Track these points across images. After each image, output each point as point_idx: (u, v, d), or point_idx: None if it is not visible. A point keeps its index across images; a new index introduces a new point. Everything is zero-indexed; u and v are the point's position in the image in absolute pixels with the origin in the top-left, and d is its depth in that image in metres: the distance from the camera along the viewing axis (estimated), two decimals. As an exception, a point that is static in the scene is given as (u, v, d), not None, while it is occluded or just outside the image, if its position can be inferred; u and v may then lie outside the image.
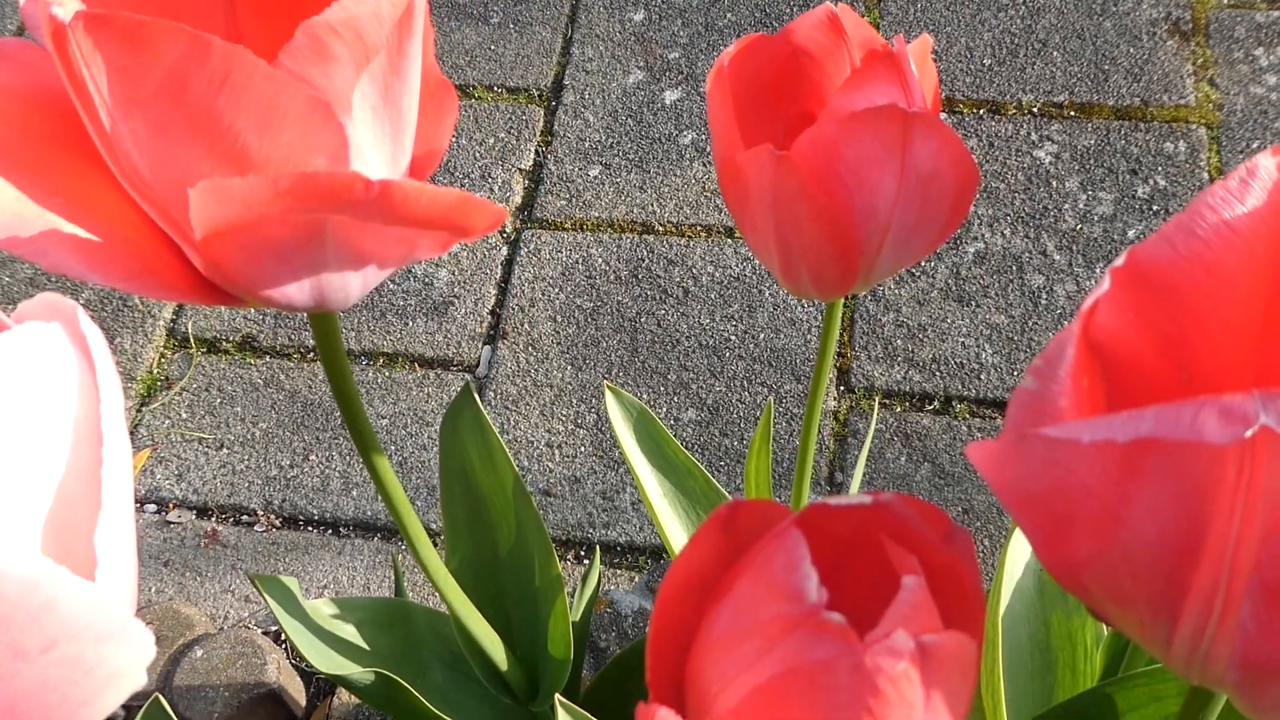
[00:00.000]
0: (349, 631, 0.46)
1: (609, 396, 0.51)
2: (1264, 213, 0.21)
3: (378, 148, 0.28)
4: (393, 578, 0.88)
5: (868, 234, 0.34)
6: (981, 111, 1.09)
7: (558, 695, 0.37)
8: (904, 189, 0.33)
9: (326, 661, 0.42)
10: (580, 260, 1.05)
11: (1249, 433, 0.17)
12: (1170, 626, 0.23)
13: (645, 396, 0.97)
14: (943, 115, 1.08)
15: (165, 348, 1.04)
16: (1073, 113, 1.07)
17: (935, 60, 1.12)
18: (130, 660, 0.19)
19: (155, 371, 1.03)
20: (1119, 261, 0.21)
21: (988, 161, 1.06)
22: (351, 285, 0.30)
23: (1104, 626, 0.54)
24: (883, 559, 0.23)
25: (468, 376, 1.00)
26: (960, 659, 0.21)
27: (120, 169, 0.27)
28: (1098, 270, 1.00)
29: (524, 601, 0.48)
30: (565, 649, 0.46)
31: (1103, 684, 0.45)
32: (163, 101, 0.24)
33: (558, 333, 1.01)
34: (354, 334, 1.02)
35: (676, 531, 0.53)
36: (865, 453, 0.54)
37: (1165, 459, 0.20)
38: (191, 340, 1.04)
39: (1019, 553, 0.57)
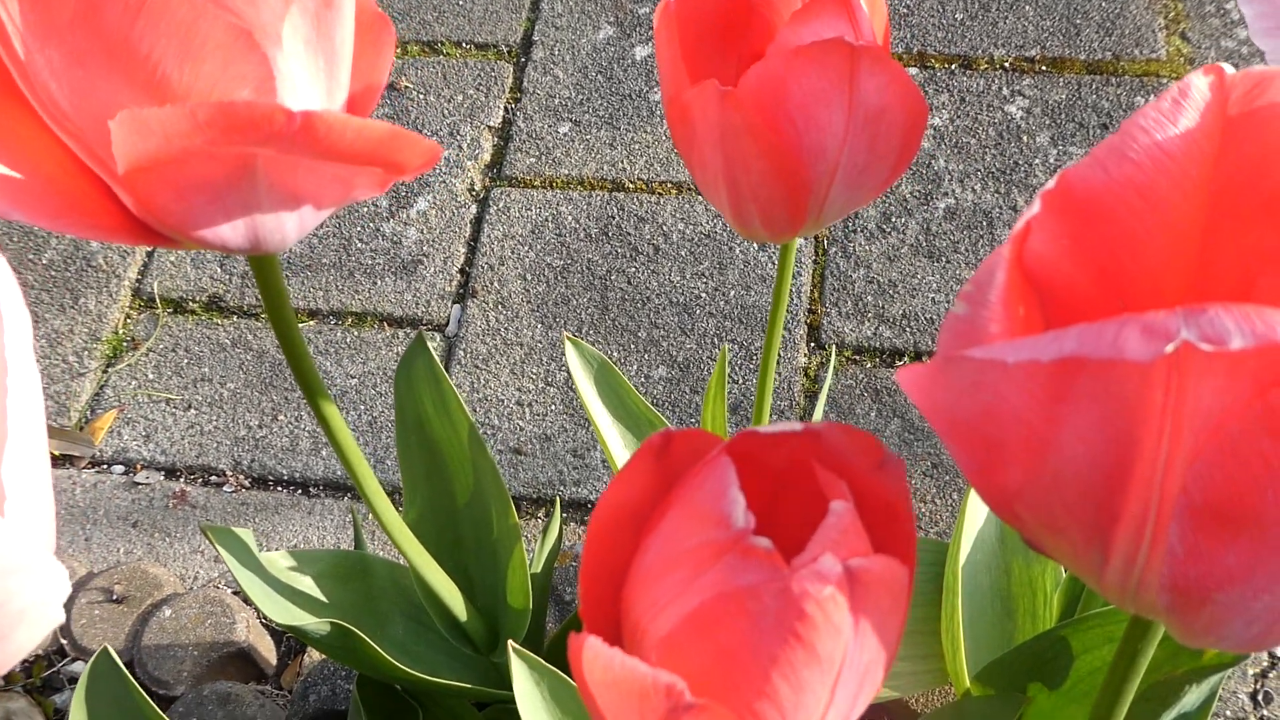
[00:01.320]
0: (307, 584, 0.45)
1: (570, 348, 0.51)
2: (1196, 135, 0.21)
3: (312, 82, 0.28)
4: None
5: (817, 172, 0.33)
6: (953, 66, 1.08)
7: (511, 643, 0.37)
8: (852, 125, 0.32)
9: (282, 613, 0.42)
10: (550, 218, 1.04)
11: (1169, 348, 0.17)
12: (1103, 554, 0.23)
13: (616, 354, 0.97)
14: (914, 70, 1.08)
15: (131, 308, 1.03)
16: (1044, 67, 1.07)
17: (907, 14, 1.11)
18: (42, 595, 0.19)
19: (121, 332, 1.01)
20: (1049, 185, 0.21)
21: (959, 117, 1.05)
22: (288, 226, 0.29)
23: (1062, 571, 0.54)
24: (818, 488, 0.23)
25: (437, 335, 0.99)
26: (890, 584, 0.21)
27: (40, 102, 0.26)
28: (1068, 225, 1.00)
29: (483, 552, 0.47)
30: (524, 599, 0.46)
31: (1058, 627, 0.45)
32: (78, 29, 0.23)
33: (527, 291, 1.00)
34: (322, 293, 1.02)
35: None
36: (823, 399, 0.54)
37: (1092, 381, 0.19)
38: (157, 300, 1.03)
39: (980, 503, 0.57)
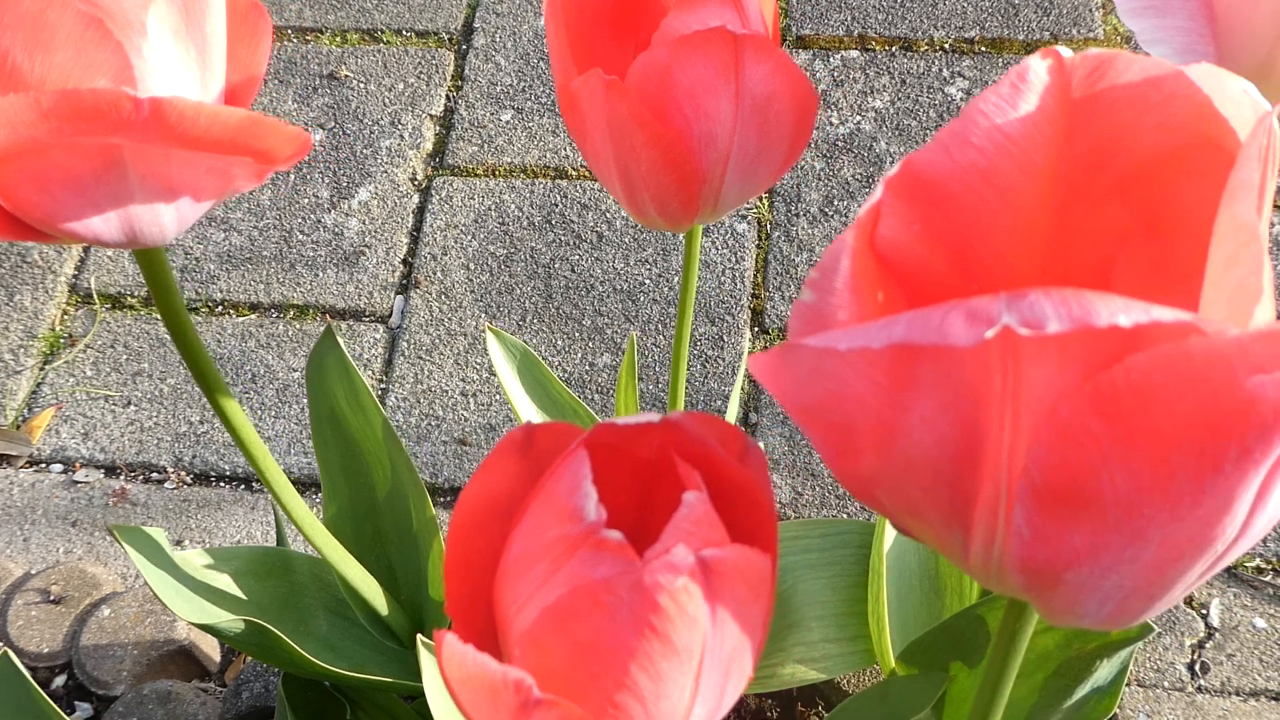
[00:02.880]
0: (224, 581, 0.45)
1: (491, 339, 0.51)
2: (1037, 118, 0.21)
3: (184, 71, 0.27)
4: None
5: (709, 160, 0.33)
6: (894, 48, 1.08)
7: (420, 637, 0.37)
8: (741, 113, 0.32)
9: (195, 612, 0.42)
10: (493, 207, 1.04)
11: (990, 333, 0.17)
12: (964, 537, 0.23)
13: (560, 342, 0.97)
14: (854, 53, 1.08)
15: (68, 304, 1.01)
16: (984, 48, 1.07)
17: (848, -3, 1.11)
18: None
19: (58, 329, 1.00)
20: (893, 170, 0.21)
21: (900, 99, 1.05)
22: (165, 219, 0.29)
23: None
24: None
25: (380, 327, 0.99)
26: (747, 573, 0.21)
27: (-106, 98, 0.25)
28: (1007, 206, 1.00)
29: (405, 545, 0.47)
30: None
31: (975, 605, 0.45)
32: (-78, 22, 0.23)
33: (471, 280, 1.00)
34: (263, 286, 1.01)
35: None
36: (741, 378, 0.54)
37: (932, 367, 0.20)
38: (95, 296, 1.01)
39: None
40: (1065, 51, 0.21)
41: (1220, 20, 0.28)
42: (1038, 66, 0.20)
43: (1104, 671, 0.43)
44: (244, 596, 0.46)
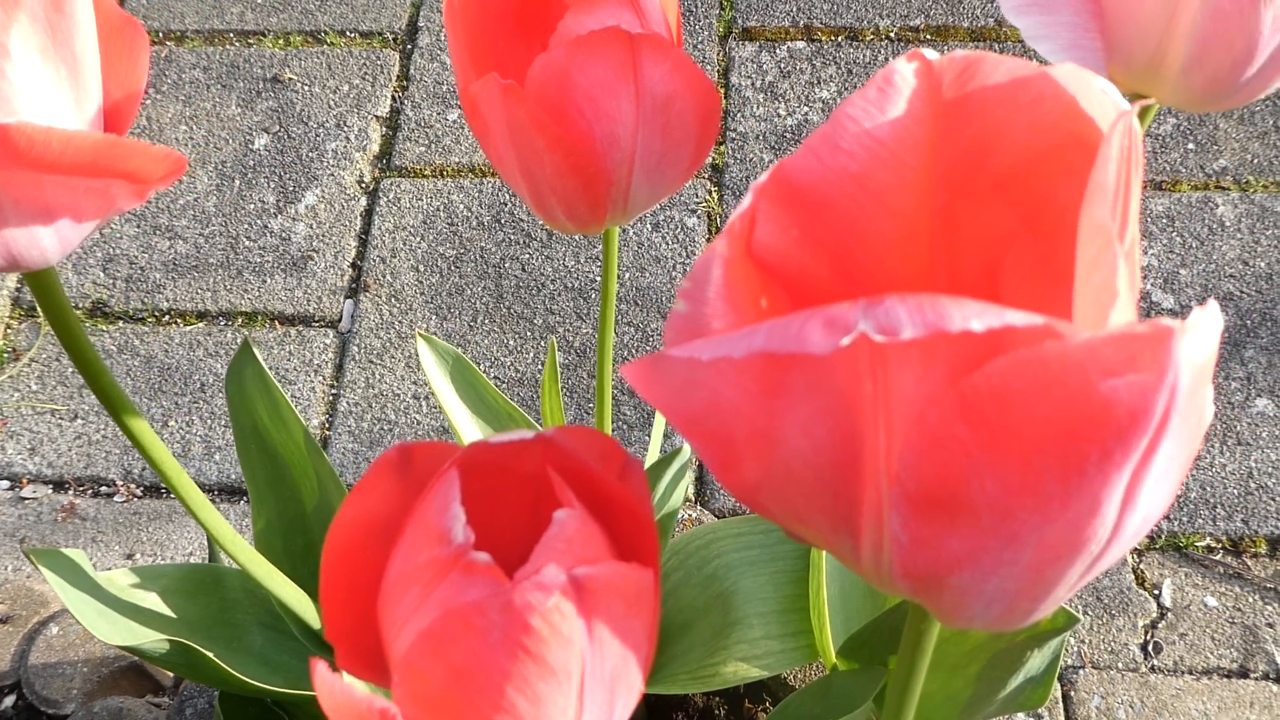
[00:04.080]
0: (152, 600, 0.44)
1: (422, 345, 0.50)
2: (907, 121, 0.20)
3: (54, 93, 0.27)
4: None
5: (613, 162, 0.33)
6: (839, 38, 1.08)
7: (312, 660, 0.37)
8: (642, 114, 0.32)
9: (120, 633, 0.41)
10: (441, 207, 1.03)
11: (846, 341, 0.17)
12: (853, 543, 0.23)
13: (512, 342, 0.96)
14: (801, 43, 1.08)
15: (11, 318, 1.00)
16: (929, 36, 1.07)
17: (793, -12, 1.11)
18: None
19: (1, 343, 0.98)
20: (763, 178, 0.21)
21: (847, 89, 1.05)
22: (44, 242, 0.28)
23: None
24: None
25: (330, 332, 0.98)
26: (624, 589, 0.21)
27: None
28: (956, 193, 1.00)
29: (337, 557, 0.47)
30: (379, 602, 0.45)
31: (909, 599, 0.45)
32: None
33: (421, 283, 0.99)
34: (210, 294, 0.99)
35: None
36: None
37: (802, 374, 0.19)
38: (39, 309, 1.00)
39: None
40: (931, 54, 0.20)
41: (1108, 15, 0.28)
42: (904, 69, 0.20)
43: (1036, 661, 0.43)
44: (173, 615, 0.45)
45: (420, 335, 0.49)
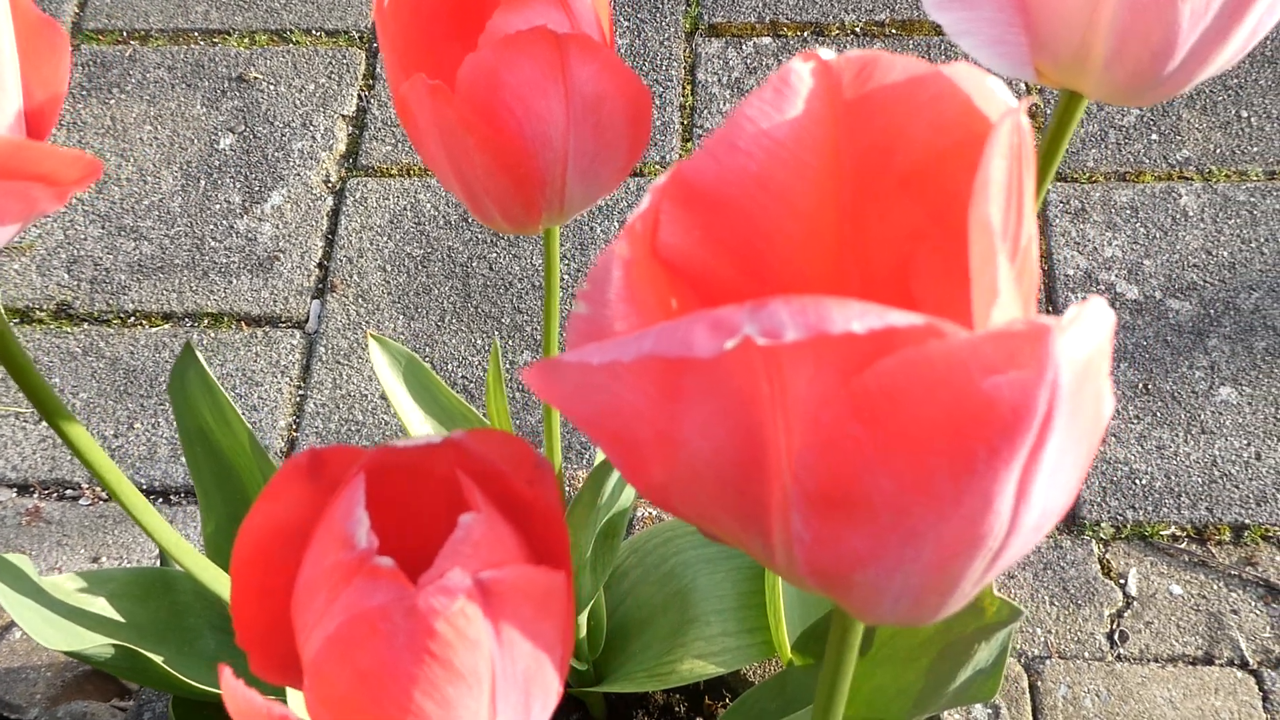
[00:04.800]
0: (100, 605, 0.44)
1: (374, 346, 0.50)
2: (805, 121, 0.20)
3: (-29, 97, 0.26)
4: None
5: (546, 162, 0.33)
6: (805, 34, 1.08)
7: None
8: (573, 113, 0.32)
9: (64, 639, 0.41)
10: (408, 207, 1.03)
11: (730, 344, 0.17)
12: (764, 541, 0.23)
13: (480, 342, 0.96)
14: (767, 39, 1.08)
15: (-26, 322, 0.99)
16: (894, 30, 1.07)
17: (759, -17, 1.11)
18: None
19: (-35, 348, 0.98)
20: (662, 179, 0.21)
21: (813, 84, 1.06)
22: (-35, 247, 0.28)
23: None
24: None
25: (297, 332, 0.98)
26: (532, 591, 0.21)
27: None
28: (922, 187, 1.01)
29: (288, 559, 0.47)
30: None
31: (859, 594, 0.46)
32: None
33: (388, 282, 0.99)
34: (176, 295, 0.99)
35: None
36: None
37: (699, 376, 0.19)
38: (1, 310, 0.99)
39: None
40: (827, 53, 0.21)
41: (1032, 9, 0.28)
42: (800, 69, 0.20)
43: (984, 654, 0.44)
44: (122, 620, 0.45)
45: (372, 336, 0.49)
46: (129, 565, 0.86)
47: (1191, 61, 0.28)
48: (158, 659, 0.40)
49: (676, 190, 0.21)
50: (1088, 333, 0.17)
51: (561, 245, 1.00)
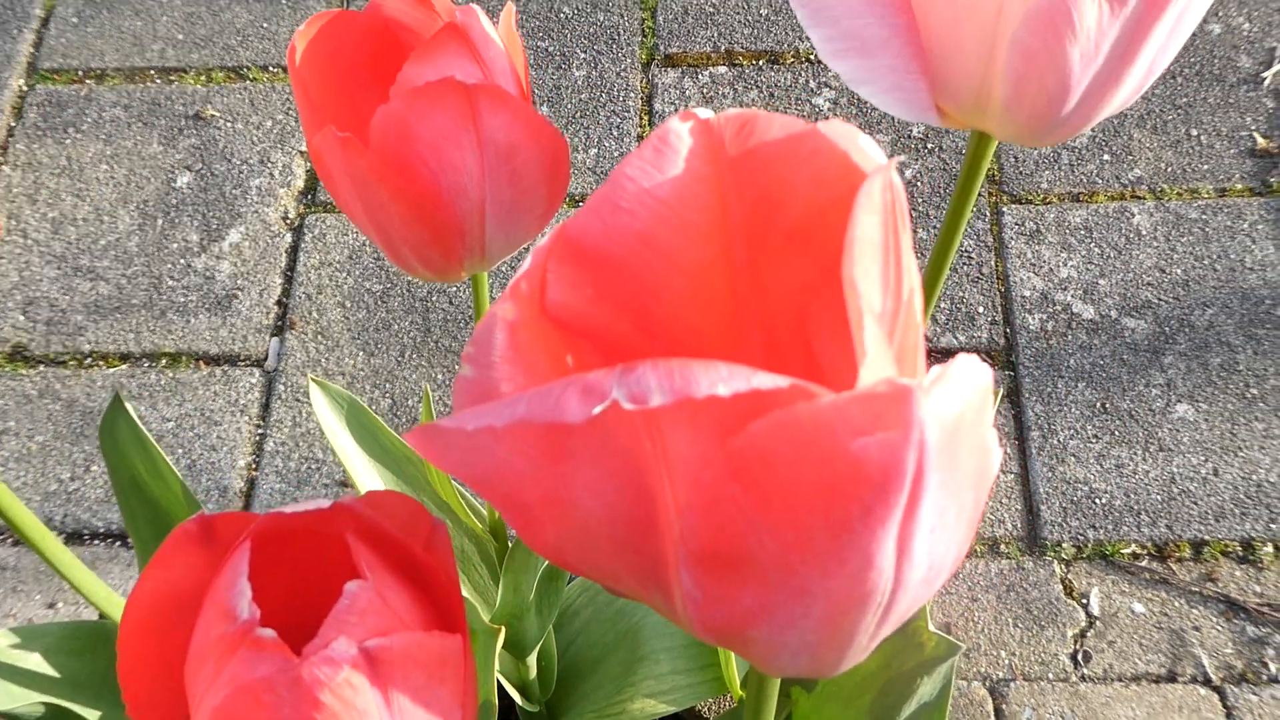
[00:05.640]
0: (34, 661, 0.44)
1: (314, 390, 0.50)
2: (686, 179, 0.21)
3: None
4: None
5: (462, 211, 0.33)
6: (760, 62, 1.09)
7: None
8: (487, 163, 0.32)
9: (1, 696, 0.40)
10: (367, 242, 1.02)
11: (598, 409, 0.17)
12: (665, 597, 0.23)
13: (440, 376, 0.96)
14: (722, 68, 1.09)
15: (-72, 367, 0.98)
16: (848, 57, 1.08)
17: (713, 13, 1.12)
18: None
19: (-82, 394, 0.97)
20: (545, 241, 0.21)
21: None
22: None
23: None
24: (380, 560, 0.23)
25: (256, 371, 0.97)
26: (423, 658, 0.21)
27: None
28: (878, 212, 1.01)
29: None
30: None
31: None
32: None
33: (347, 319, 0.99)
34: (133, 335, 0.98)
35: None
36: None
37: (584, 437, 0.19)
38: (-44, 357, 0.98)
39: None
40: (705, 112, 0.21)
41: (931, 56, 0.29)
42: (679, 129, 0.20)
43: (928, 688, 0.44)
44: (57, 675, 0.44)
45: (313, 380, 0.49)
46: (86, 609, 0.85)
47: (1088, 102, 0.28)
48: (93, 715, 0.40)
49: (563, 250, 0.21)
50: (956, 391, 0.18)
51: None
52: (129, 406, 0.44)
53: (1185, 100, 1.06)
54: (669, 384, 0.17)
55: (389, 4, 0.35)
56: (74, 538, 0.90)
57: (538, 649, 0.51)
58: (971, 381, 0.18)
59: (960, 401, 0.18)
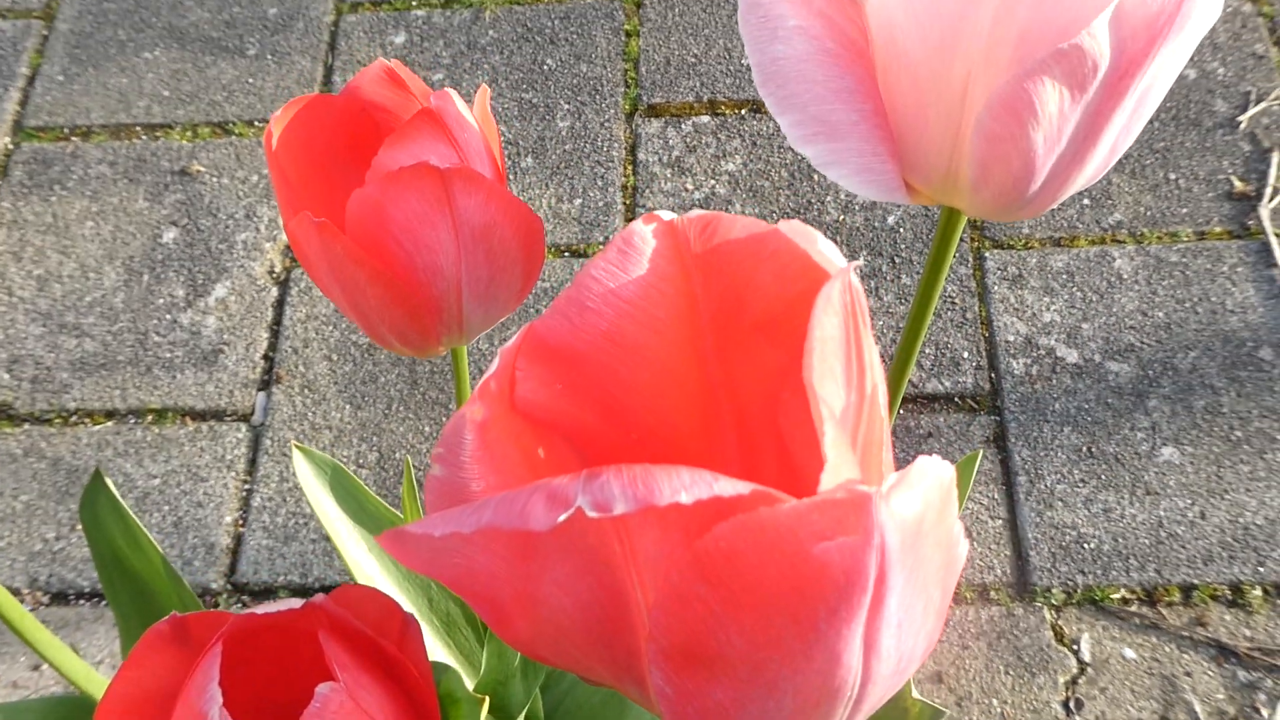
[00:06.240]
0: (15, 738, 0.43)
1: (297, 456, 0.50)
2: (651, 279, 0.21)
3: None
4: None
5: (440, 290, 0.33)
6: (743, 111, 1.10)
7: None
8: (463, 242, 0.32)
9: (-24, 777, 0.40)
10: (353, 294, 1.02)
11: (562, 517, 0.17)
12: (640, 690, 0.23)
13: (428, 429, 0.96)
14: (705, 118, 1.10)
15: (-87, 427, 0.98)
16: (829, 107, 1.10)
17: (695, 63, 1.13)
18: None
19: (-98, 454, 0.96)
20: (512, 342, 0.21)
21: (752, 161, 1.07)
22: None
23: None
24: (358, 654, 0.23)
25: (243, 425, 0.97)
26: (395, 757, 0.21)
27: None
28: (861, 259, 1.02)
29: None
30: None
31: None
32: None
33: (334, 371, 0.99)
34: (119, 392, 0.98)
35: (387, 587, 0.52)
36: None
37: (552, 539, 0.20)
38: (-59, 416, 0.98)
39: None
40: (667, 215, 0.21)
41: (900, 138, 0.29)
42: (642, 231, 0.21)
43: (914, 750, 0.44)
44: (38, 752, 0.44)
45: (296, 447, 0.49)
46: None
47: (1054, 182, 0.29)
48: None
49: (531, 348, 0.21)
50: (916, 492, 0.18)
51: (507, 330, 1.00)
52: (109, 482, 0.44)
53: (1163, 144, 1.07)
54: (633, 491, 0.17)
55: (366, 86, 0.35)
56: (59, 598, 0.90)
57: (524, 713, 0.51)
58: (933, 481, 0.18)
59: (921, 501, 0.18)
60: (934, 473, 0.18)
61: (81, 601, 0.89)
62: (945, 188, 0.30)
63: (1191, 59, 1.13)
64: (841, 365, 0.19)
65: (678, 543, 0.19)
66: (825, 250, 0.20)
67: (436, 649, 0.52)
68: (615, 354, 0.21)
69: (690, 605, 0.19)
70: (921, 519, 0.18)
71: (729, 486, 0.17)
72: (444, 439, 0.21)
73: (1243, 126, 1.08)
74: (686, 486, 0.17)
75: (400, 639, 0.22)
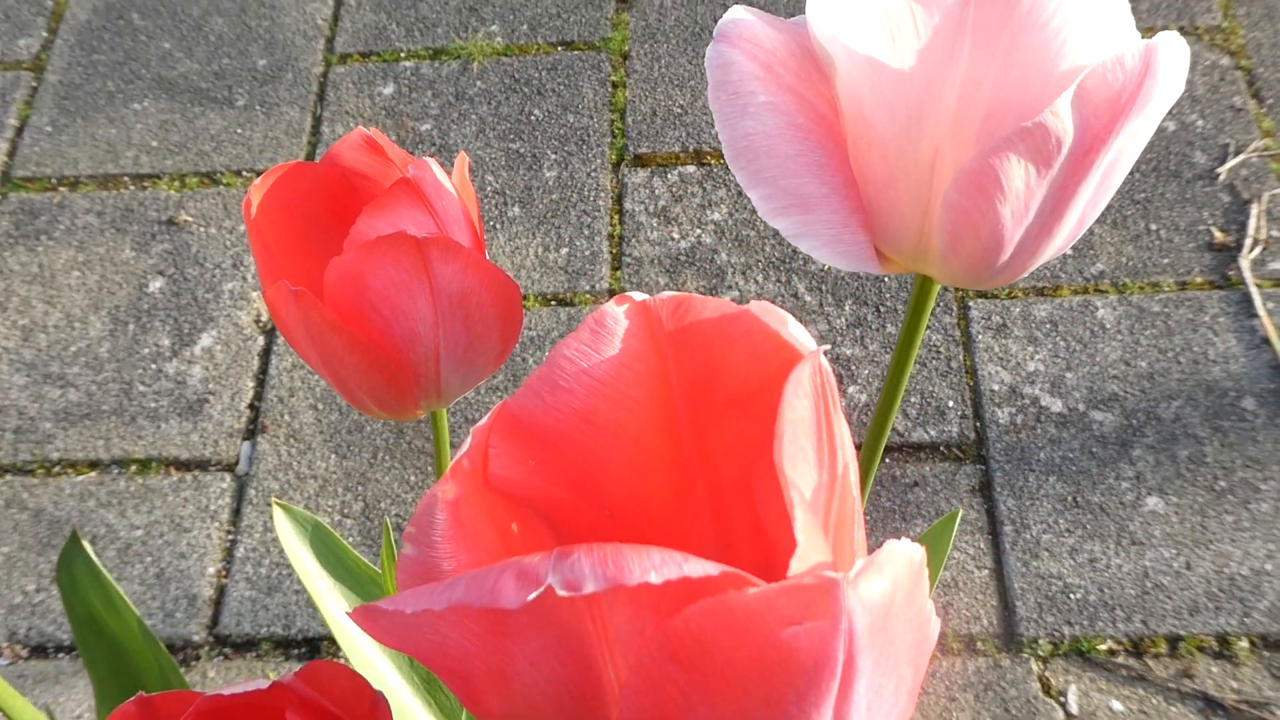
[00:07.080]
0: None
1: (278, 513, 0.50)
2: (623, 358, 0.21)
3: None
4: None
5: (418, 356, 0.34)
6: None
7: None
8: (440, 309, 0.33)
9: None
10: (339, 343, 1.03)
11: (532, 596, 0.17)
12: (613, 765, 0.22)
13: (414, 478, 0.95)
14: (691, 168, 1.11)
15: (-107, 478, 0.97)
16: (813, 158, 1.11)
17: (681, 114, 1.14)
18: None
19: (-118, 505, 0.96)
20: (484, 421, 0.21)
21: (738, 210, 1.08)
22: None
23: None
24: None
25: (228, 475, 0.96)
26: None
27: None
28: (846, 308, 1.03)
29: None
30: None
31: None
32: None
33: (319, 421, 0.98)
34: (103, 442, 0.98)
35: (368, 646, 0.52)
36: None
37: (523, 615, 0.20)
38: (-78, 467, 0.97)
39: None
40: (638, 295, 0.21)
41: (871, 209, 0.30)
42: (614, 312, 0.21)
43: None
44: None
45: (276, 504, 0.49)
46: (46, 731, 0.83)
47: (1024, 252, 0.29)
48: None
49: (504, 426, 0.21)
50: (884, 575, 0.18)
51: (494, 378, 1.00)
52: (86, 545, 0.43)
53: (1144, 195, 1.09)
54: (603, 571, 0.17)
55: (345, 154, 0.35)
56: (38, 651, 0.89)
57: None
58: (902, 562, 0.18)
59: (890, 584, 0.18)
60: (903, 555, 0.18)
61: (61, 655, 0.88)
62: (916, 256, 0.31)
63: (1171, 112, 1.15)
64: (813, 445, 0.20)
65: (649, 621, 0.19)
66: (795, 333, 0.20)
67: (418, 708, 0.52)
68: (589, 432, 0.22)
69: (661, 687, 0.19)
70: (890, 601, 0.18)
71: (698, 567, 0.17)
72: (415, 518, 0.21)
73: (1222, 178, 1.09)
74: (656, 567, 0.17)
75: (369, 718, 0.22)
